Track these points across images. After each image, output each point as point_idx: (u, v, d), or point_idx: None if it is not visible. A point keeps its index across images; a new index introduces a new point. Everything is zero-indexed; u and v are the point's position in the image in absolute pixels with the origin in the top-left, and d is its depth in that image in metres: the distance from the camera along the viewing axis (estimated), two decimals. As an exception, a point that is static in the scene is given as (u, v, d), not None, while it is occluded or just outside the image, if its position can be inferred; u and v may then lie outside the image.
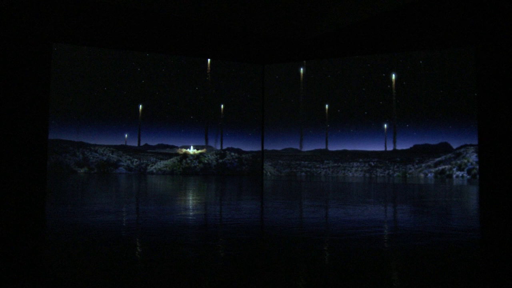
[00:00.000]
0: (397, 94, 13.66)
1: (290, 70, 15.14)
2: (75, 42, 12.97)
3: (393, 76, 13.69)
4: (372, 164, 14.21)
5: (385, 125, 13.79)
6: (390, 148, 13.81)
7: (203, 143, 15.01)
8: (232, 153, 15.23)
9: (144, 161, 14.48)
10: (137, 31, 12.61)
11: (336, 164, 14.67)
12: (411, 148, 13.58)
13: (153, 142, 14.62)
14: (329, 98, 14.61)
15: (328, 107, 14.56)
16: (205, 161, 14.91)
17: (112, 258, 2.16)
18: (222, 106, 15.13)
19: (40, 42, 11.23)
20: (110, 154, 14.14)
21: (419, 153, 13.47)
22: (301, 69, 15.00)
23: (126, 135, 14.15)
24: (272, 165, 15.29)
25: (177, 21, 12.25)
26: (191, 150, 14.04)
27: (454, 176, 12.87)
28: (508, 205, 5.24)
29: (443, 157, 13.12)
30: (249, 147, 15.33)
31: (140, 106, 14.24)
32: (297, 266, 2.05)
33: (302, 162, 15.09)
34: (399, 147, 13.70)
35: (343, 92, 14.48)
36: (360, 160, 14.37)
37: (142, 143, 14.42)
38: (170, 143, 14.81)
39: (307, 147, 15.01)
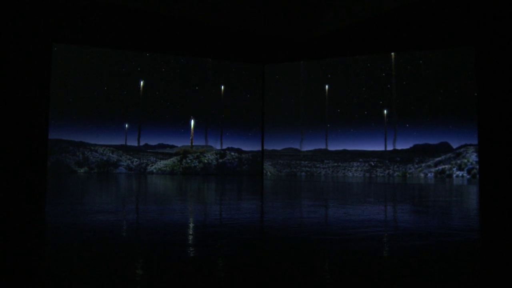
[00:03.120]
0: (397, 93, 13.66)
1: (290, 70, 15.14)
2: (75, 42, 12.97)
3: (392, 54, 13.62)
4: (372, 164, 14.21)
5: (385, 111, 13.75)
6: (390, 148, 13.82)
7: (203, 143, 15.02)
8: (232, 153, 15.23)
9: (144, 161, 14.48)
10: (137, 31, 12.61)
11: (336, 164, 14.67)
12: (411, 148, 13.58)
13: (153, 142, 14.62)
14: (329, 98, 14.61)
15: (328, 88, 14.49)
16: (205, 161, 14.92)
17: (112, 258, 2.16)
18: (222, 87, 15.05)
19: (40, 42, 11.23)
20: (110, 154, 14.14)
21: (419, 153, 13.47)
22: (301, 69, 15.00)
23: (126, 125, 14.10)
24: (272, 165, 15.30)
25: (177, 21, 12.24)
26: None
27: (454, 176, 12.87)
28: (508, 205, 5.24)
29: (443, 157, 13.12)
30: (249, 147, 15.33)
31: (141, 82, 14.19)
32: (297, 266, 2.05)
33: (302, 162, 15.10)
34: (399, 147, 13.70)
35: (343, 92, 14.48)
36: (360, 160, 14.37)
37: (142, 143, 14.43)
38: (170, 143, 14.81)
39: (307, 147, 15.02)
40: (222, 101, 15.16)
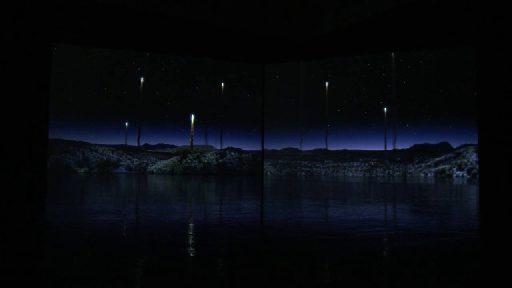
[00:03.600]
0: (397, 93, 13.66)
1: (290, 70, 15.14)
2: (75, 42, 12.97)
3: (392, 54, 13.61)
4: (372, 164, 14.21)
5: (385, 109, 13.74)
6: (390, 147, 13.81)
7: (203, 143, 15.02)
8: (232, 153, 15.23)
9: (144, 160, 14.48)
10: (137, 31, 12.62)
11: (336, 164, 14.67)
12: (411, 147, 13.57)
13: (153, 142, 14.62)
14: (329, 98, 14.60)
15: (328, 85, 14.48)
16: (205, 161, 14.92)
17: (112, 258, 2.16)
18: (222, 84, 15.03)
19: (40, 42, 11.23)
20: (110, 154, 14.14)
21: (419, 153, 13.47)
22: (301, 69, 15.00)
23: (126, 125, 14.09)
24: (272, 165, 15.29)
25: (177, 21, 12.25)
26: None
27: (454, 175, 12.87)
28: (508, 205, 5.24)
29: (443, 157, 13.12)
30: (249, 147, 15.33)
31: (142, 78, 14.17)
32: (297, 266, 2.05)
33: (302, 162, 15.09)
34: (399, 147, 13.70)
35: (343, 92, 14.48)
36: (360, 160, 14.37)
37: (142, 143, 14.43)
38: (170, 143, 14.81)
39: (307, 147, 15.02)
40: (222, 101, 15.17)
